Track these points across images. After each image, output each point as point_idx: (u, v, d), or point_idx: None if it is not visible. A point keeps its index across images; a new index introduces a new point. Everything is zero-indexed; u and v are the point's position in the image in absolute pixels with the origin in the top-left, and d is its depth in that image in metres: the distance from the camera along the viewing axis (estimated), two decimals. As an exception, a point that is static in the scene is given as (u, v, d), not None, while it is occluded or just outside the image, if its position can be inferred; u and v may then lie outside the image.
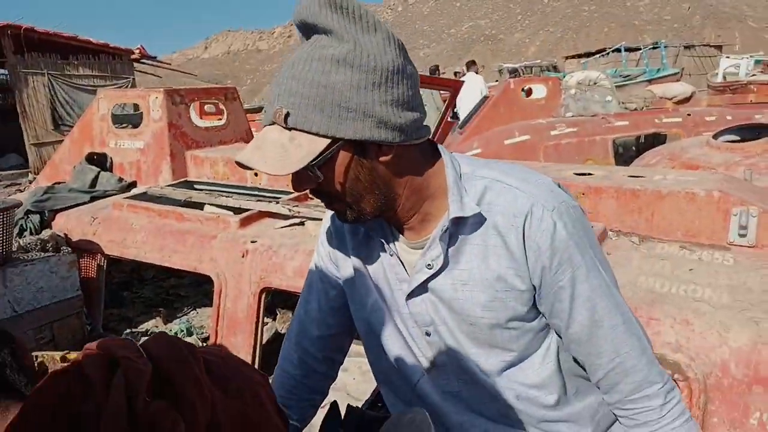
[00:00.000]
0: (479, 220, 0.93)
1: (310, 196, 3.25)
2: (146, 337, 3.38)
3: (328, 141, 0.83)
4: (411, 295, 1.00)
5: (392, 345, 1.08)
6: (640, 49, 18.67)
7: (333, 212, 0.98)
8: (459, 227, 0.94)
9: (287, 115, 0.82)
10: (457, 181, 0.94)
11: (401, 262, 1.00)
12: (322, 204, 0.98)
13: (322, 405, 1.24)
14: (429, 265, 0.96)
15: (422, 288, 0.98)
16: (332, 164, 0.86)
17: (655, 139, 5.84)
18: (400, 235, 1.01)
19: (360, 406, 1.34)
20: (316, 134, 0.83)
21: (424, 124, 0.94)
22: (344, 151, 0.85)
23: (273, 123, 0.85)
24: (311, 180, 0.87)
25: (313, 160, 0.83)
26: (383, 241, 1.01)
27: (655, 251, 2.25)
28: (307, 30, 0.86)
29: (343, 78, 0.81)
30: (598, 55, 20.88)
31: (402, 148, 0.89)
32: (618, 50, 19.25)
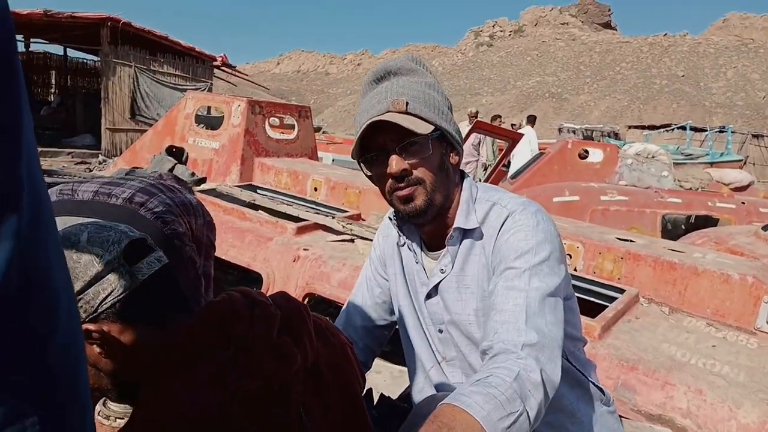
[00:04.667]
0: (481, 234, 1.15)
1: (363, 218, 3.44)
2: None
3: (433, 128, 1.09)
4: (428, 297, 1.22)
5: (414, 336, 1.30)
6: (707, 130, 18.43)
7: (399, 205, 1.16)
8: (466, 239, 1.16)
9: (407, 103, 1.08)
10: (468, 201, 1.17)
11: (424, 269, 1.23)
12: (373, 226, 1.23)
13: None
14: (442, 269, 1.18)
15: (435, 290, 1.21)
16: (429, 149, 1.10)
17: (706, 222, 5.83)
18: (426, 249, 1.24)
19: (389, 402, 1.50)
20: (426, 120, 1.08)
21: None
22: (437, 143, 1.12)
23: (387, 112, 1.08)
24: (418, 154, 1.10)
25: (432, 131, 1.08)
26: (414, 251, 1.24)
27: (682, 323, 2.34)
28: (386, 75, 1.14)
29: (435, 95, 1.12)
30: (662, 130, 20.70)
31: (458, 160, 1.18)
32: (683, 128, 19.04)
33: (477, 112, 9.55)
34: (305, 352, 0.89)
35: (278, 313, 0.89)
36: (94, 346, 0.85)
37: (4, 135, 0.36)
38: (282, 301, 0.93)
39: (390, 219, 1.29)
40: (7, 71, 0.36)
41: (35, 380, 0.40)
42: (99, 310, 0.84)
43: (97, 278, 0.83)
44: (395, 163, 1.09)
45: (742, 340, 2.21)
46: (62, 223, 1.32)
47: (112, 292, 0.83)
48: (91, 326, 0.83)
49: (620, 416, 1.44)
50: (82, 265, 0.83)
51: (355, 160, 1.16)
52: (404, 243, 1.27)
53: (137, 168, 4.03)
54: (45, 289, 0.41)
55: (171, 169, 3.88)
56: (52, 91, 15.57)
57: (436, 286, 1.20)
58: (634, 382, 1.95)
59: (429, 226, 1.18)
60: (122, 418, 1.04)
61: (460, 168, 1.23)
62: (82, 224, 0.90)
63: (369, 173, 1.16)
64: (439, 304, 1.21)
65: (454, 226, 1.15)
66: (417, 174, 1.10)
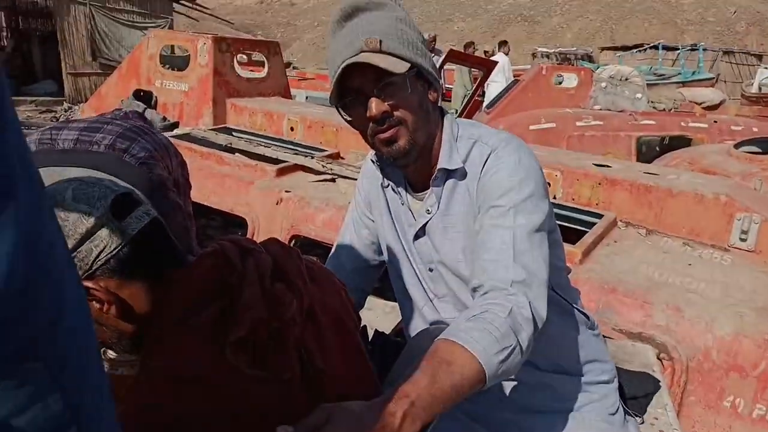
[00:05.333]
0: (464, 173, 1.15)
1: (342, 156, 3.41)
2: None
3: (409, 65, 1.06)
4: (416, 237, 1.23)
5: (405, 275, 1.32)
6: (678, 49, 18.39)
7: (382, 148, 1.13)
8: (450, 179, 1.16)
9: (381, 41, 1.04)
10: (450, 140, 1.16)
11: (410, 210, 1.24)
12: (353, 164, 1.22)
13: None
14: (428, 210, 1.19)
15: (423, 230, 1.22)
16: (409, 87, 1.07)
17: (680, 142, 5.92)
18: (411, 190, 1.24)
19: (384, 337, 1.55)
20: (402, 58, 1.05)
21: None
22: (415, 81, 1.09)
23: (361, 52, 1.04)
24: (397, 94, 1.06)
25: (409, 69, 1.05)
26: (399, 192, 1.24)
27: (659, 244, 2.42)
28: (355, 11, 1.09)
29: (408, 30, 1.09)
30: (635, 50, 20.55)
31: (437, 96, 1.16)
32: (656, 47, 18.97)
33: (435, 37, 9.14)
34: (300, 297, 0.90)
35: (270, 259, 0.89)
36: (94, 302, 0.86)
37: None
38: (273, 247, 0.94)
39: (372, 161, 1.27)
40: None
41: (51, 362, 0.41)
42: (94, 267, 0.84)
43: (88, 235, 0.83)
44: (375, 106, 1.05)
45: (717, 257, 2.29)
46: (48, 175, 1.29)
47: (104, 248, 0.83)
48: (89, 283, 0.84)
49: (603, 336, 1.51)
50: (71, 223, 0.83)
51: (333, 106, 1.13)
52: (388, 184, 1.27)
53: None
54: (51, 273, 0.40)
55: (141, 114, 3.77)
56: (4, 34, 14.72)
57: (424, 227, 1.21)
58: (615, 303, 2.02)
59: (413, 167, 1.17)
60: (124, 366, 1.06)
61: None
62: (65, 181, 0.89)
63: (348, 118, 1.13)
64: (427, 244, 1.22)
65: (439, 166, 1.15)
66: (398, 114, 1.08)
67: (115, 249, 0.84)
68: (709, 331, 1.88)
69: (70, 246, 0.82)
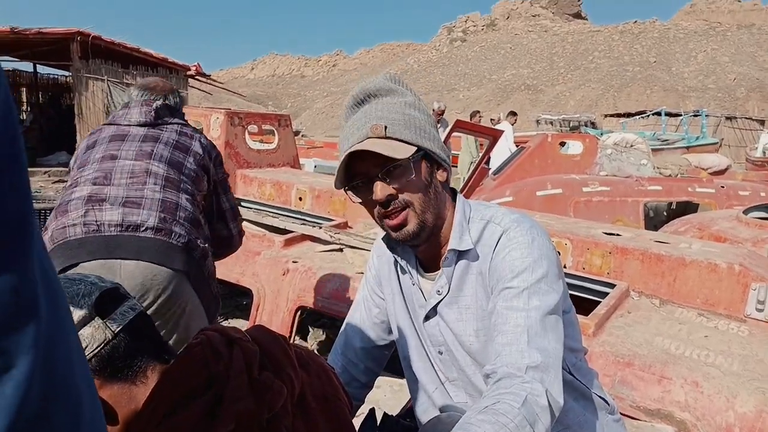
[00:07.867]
0: (476, 255, 1.14)
1: (350, 225, 3.42)
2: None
3: (415, 149, 1.08)
4: (426, 318, 1.21)
5: (415, 357, 1.28)
6: (681, 115, 18.71)
7: (391, 232, 1.14)
8: (462, 260, 1.15)
9: (386, 127, 1.07)
10: (462, 221, 1.16)
11: (421, 290, 1.22)
12: (361, 234, 1.23)
13: (357, 414, 1.40)
14: (438, 291, 1.17)
15: (434, 311, 1.19)
16: (414, 170, 1.09)
17: (687, 207, 5.91)
18: (422, 270, 1.22)
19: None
20: (407, 142, 1.08)
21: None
22: (422, 163, 1.11)
23: (367, 138, 1.07)
24: (402, 178, 1.08)
25: (414, 153, 1.07)
26: (410, 272, 1.23)
27: (674, 315, 2.36)
28: (367, 97, 1.14)
29: (416, 114, 1.11)
30: (637, 117, 20.96)
31: (446, 176, 1.16)
32: (658, 114, 19.33)
33: (443, 110, 9.07)
34: (291, 384, 0.88)
35: (257, 348, 0.87)
36: None
37: (17, 232, 0.31)
38: (260, 335, 0.92)
39: (383, 240, 1.27)
40: (12, 156, 0.30)
41: None
42: None
43: None
44: (380, 190, 1.07)
45: (733, 328, 2.23)
46: (99, 266, 1.36)
47: (86, 347, 0.81)
48: None
49: (621, 415, 1.44)
50: None
51: (341, 189, 1.15)
52: (399, 264, 1.26)
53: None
54: (69, 396, 0.38)
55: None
56: (24, 108, 15.28)
57: (435, 308, 1.18)
58: (631, 378, 1.96)
59: (423, 247, 1.17)
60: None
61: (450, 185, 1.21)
62: None
63: (357, 200, 1.14)
64: (438, 325, 1.20)
65: (449, 247, 1.14)
66: (403, 197, 1.09)
67: (97, 348, 0.82)
68: (731, 407, 1.80)
69: None
